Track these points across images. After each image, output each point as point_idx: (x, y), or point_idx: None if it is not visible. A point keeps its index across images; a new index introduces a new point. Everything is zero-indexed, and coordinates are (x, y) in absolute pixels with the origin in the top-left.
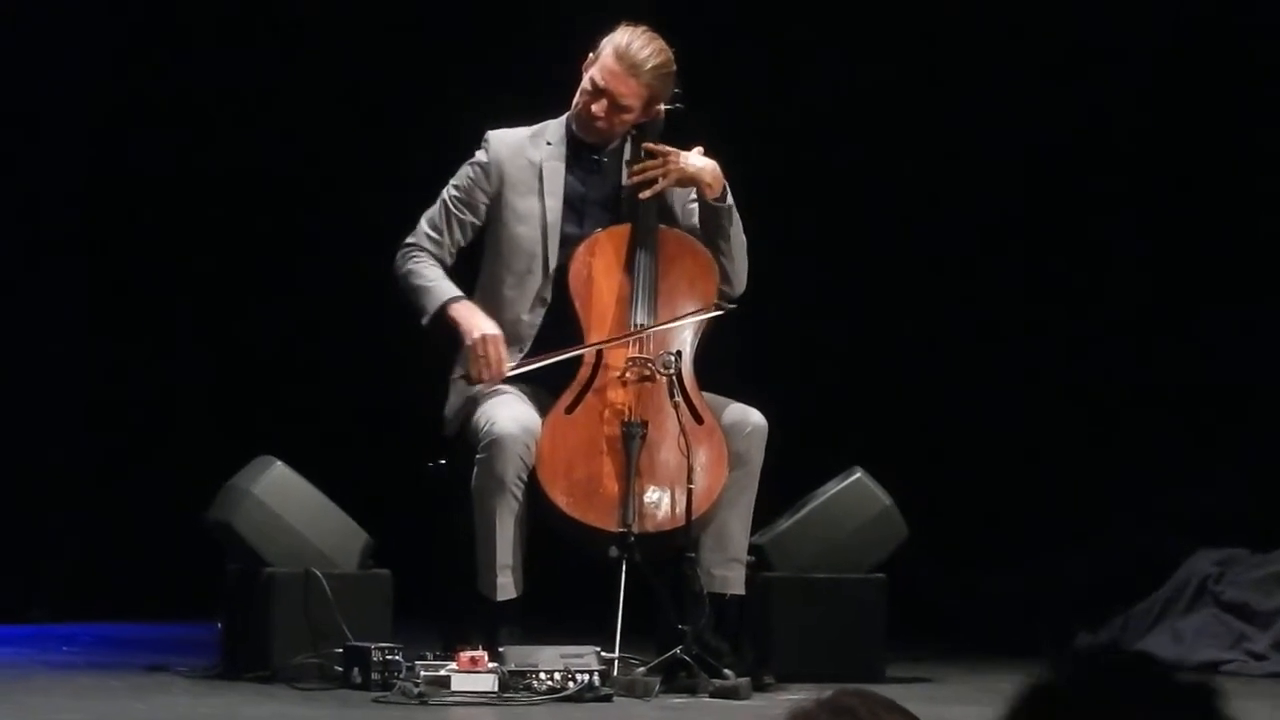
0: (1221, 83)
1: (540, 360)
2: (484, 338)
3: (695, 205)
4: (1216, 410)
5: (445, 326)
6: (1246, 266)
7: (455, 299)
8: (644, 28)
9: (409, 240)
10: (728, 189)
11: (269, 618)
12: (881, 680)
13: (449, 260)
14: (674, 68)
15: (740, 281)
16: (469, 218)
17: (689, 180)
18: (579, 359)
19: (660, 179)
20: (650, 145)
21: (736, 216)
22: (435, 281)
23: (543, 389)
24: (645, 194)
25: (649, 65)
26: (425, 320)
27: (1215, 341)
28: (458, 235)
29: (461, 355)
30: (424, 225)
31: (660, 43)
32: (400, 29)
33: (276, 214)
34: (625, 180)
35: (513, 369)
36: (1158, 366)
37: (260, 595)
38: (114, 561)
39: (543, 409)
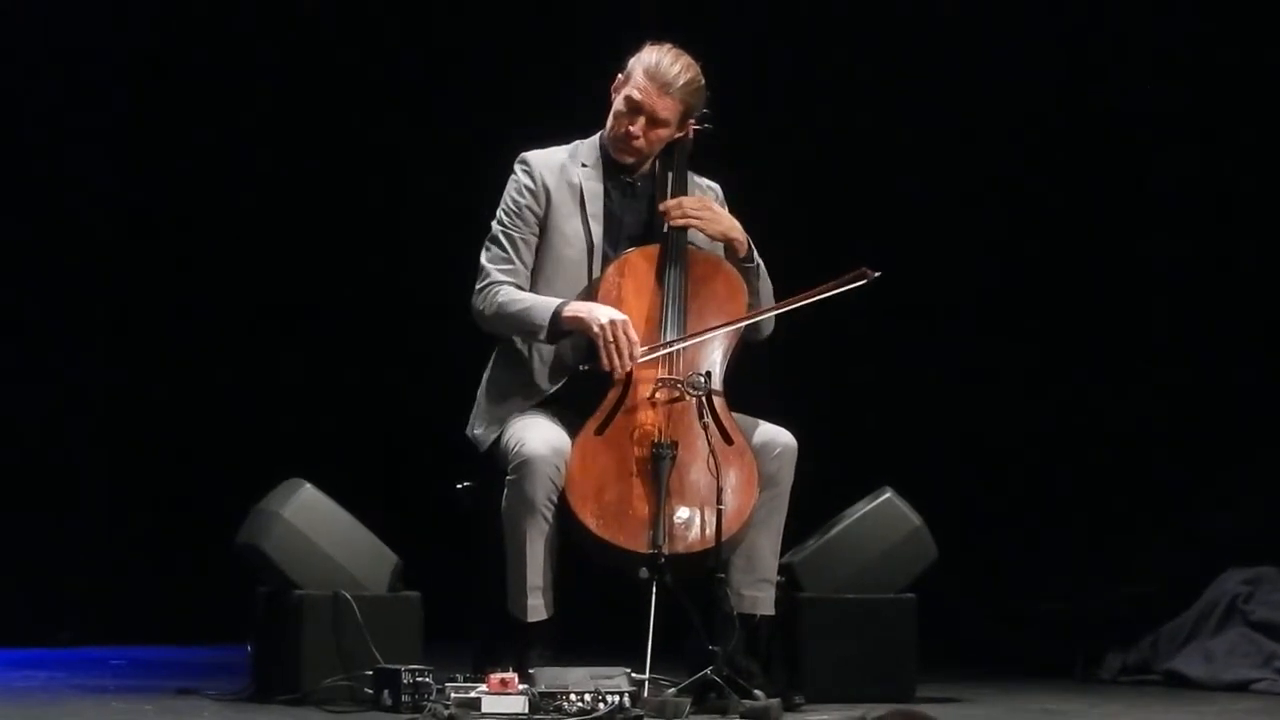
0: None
1: (667, 346)
2: (611, 323)
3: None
4: (1245, 430)
5: (565, 333)
6: (1268, 290)
7: (563, 303)
8: (669, 45)
9: (480, 285)
10: (753, 248)
11: (299, 640)
12: (911, 700)
13: (526, 285)
14: (703, 81)
15: (768, 326)
16: (530, 236)
17: (720, 235)
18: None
19: (694, 219)
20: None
21: (764, 272)
22: (533, 299)
23: (570, 410)
24: (678, 221)
25: (680, 81)
26: (543, 335)
27: (1242, 362)
28: (526, 256)
29: (588, 352)
30: (489, 266)
31: (687, 58)
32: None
33: (306, 236)
34: (659, 203)
35: (645, 353)
36: (1185, 387)
37: (290, 618)
38: (144, 584)
39: (571, 430)
